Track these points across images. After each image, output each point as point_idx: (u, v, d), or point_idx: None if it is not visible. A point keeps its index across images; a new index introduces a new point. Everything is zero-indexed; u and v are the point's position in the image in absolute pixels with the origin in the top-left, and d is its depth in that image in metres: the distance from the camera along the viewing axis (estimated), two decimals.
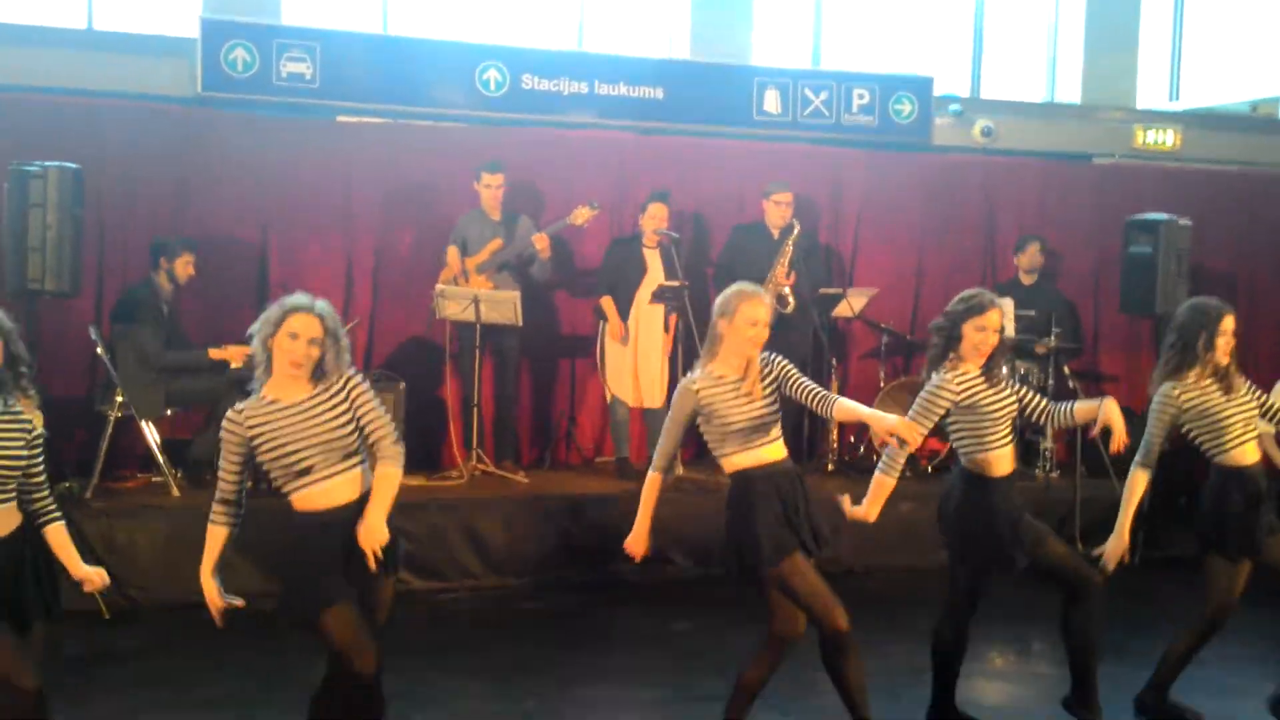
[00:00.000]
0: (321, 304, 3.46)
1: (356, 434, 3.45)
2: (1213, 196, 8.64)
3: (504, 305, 6.78)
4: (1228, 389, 4.29)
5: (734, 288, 3.91)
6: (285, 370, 3.40)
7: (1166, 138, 9.03)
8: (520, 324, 6.83)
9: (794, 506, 3.80)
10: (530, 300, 6.98)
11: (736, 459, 3.83)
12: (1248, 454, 4.34)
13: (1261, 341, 8.58)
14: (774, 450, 3.85)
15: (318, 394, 3.42)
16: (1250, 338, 8.58)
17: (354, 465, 3.45)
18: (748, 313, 3.78)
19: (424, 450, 7.02)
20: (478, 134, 7.68)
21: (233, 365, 6.24)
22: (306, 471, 3.38)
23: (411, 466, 6.65)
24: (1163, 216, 7.74)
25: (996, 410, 4.10)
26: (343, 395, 3.43)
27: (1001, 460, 4.14)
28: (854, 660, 3.81)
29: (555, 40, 9.72)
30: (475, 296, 6.74)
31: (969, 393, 4.06)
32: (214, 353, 6.32)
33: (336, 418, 3.41)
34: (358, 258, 7.29)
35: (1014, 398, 4.16)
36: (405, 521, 6.05)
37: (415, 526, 6.02)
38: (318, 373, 3.43)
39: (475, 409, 6.84)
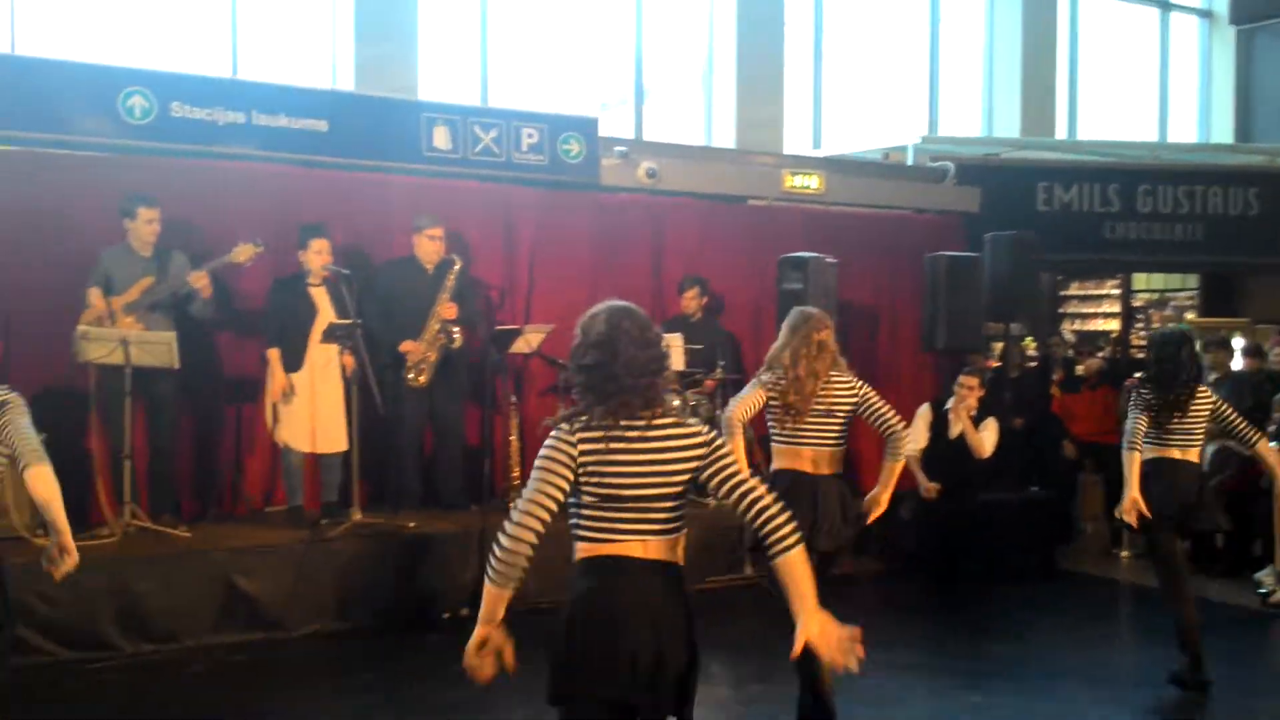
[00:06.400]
0: None
1: None
2: (854, 236, 9.33)
3: (157, 347, 6.29)
4: None
5: None
6: None
7: (811, 181, 9.64)
8: (176, 366, 6.36)
9: None
10: (188, 341, 6.51)
11: None
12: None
13: (903, 365, 9.33)
14: None
15: None
16: (894, 364, 9.36)
17: None
18: None
19: (69, 509, 6.34)
20: (122, 164, 7.07)
21: None
22: None
23: None
24: (810, 255, 8.28)
25: None
26: None
27: None
28: None
29: (208, 67, 9.22)
30: (124, 338, 6.21)
31: None
32: None
33: None
34: None
35: None
36: (48, 585, 5.50)
37: (59, 590, 5.43)
38: None
39: (127, 460, 6.28)
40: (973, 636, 6.76)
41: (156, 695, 5.39)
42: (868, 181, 10.08)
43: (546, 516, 2.90)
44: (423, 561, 6.53)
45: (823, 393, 4.70)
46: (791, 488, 4.57)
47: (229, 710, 5.23)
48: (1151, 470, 5.61)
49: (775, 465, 4.84)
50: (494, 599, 2.93)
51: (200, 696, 5.38)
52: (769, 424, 4.84)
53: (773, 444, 4.85)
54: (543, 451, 2.96)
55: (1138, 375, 5.94)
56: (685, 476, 3.00)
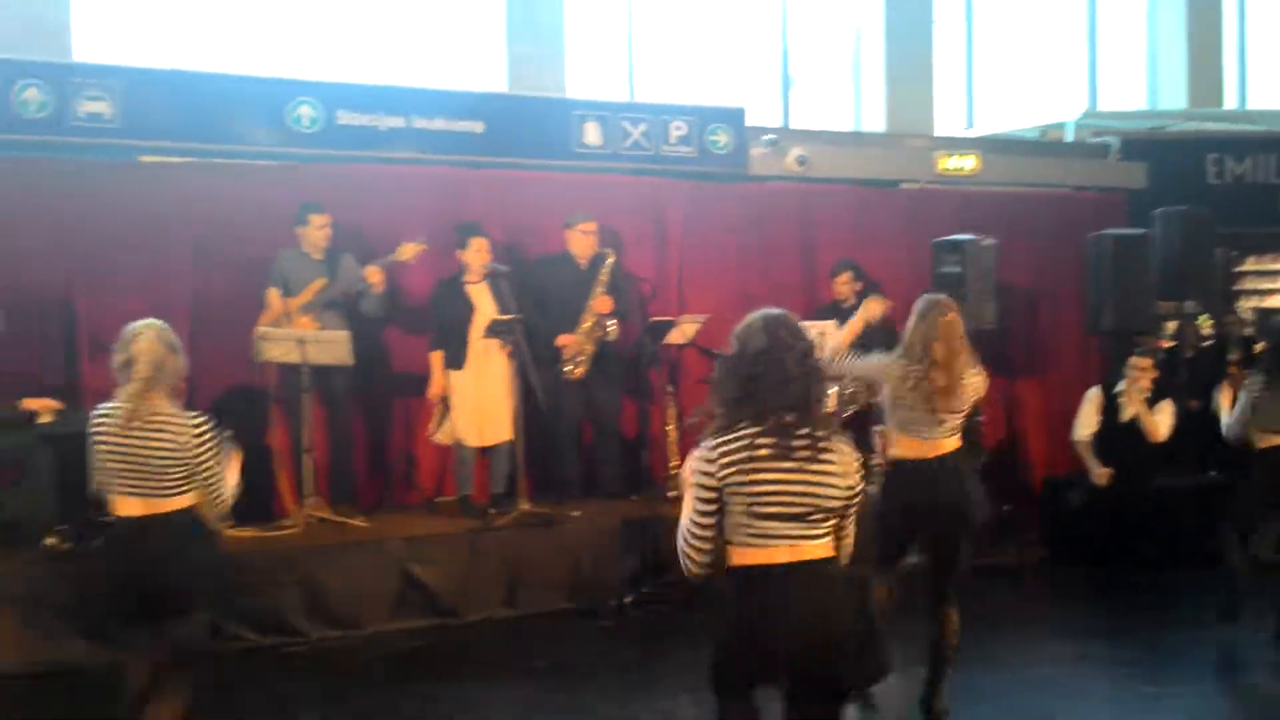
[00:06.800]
0: None
1: None
2: (1011, 217, 9.10)
3: (333, 345, 6.58)
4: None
5: None
6: None
7: (966, 163, 9.45)
8: (351, 363, 6.64)
9: None
10: (359, 339, 6.78)
11: None
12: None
13: (1065, 348, 9.07)
14: None
15: None
16: (1055, 346, 9.11)
17: None
18: None
19: (254, 501, 6.71)
20: (292, 172, 7.41)
21: (41, 419, 5.85)
22: None
23: (242, 519, 6.48)
24: (968, 237, 8.11)
25: None
26: None
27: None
28: None
29: (369, 74, 9.53)
30: (301, 338, 6.52)
31: None
32: (28, 402, 5.92)
33: None
34: (171, 303, 6.86)
35: None
36: (244, 575, 5.84)
37: (253, 579, 5.76)
38: None
39: (307, 454, 6.58)
40: (1146, 626, 6.54)
41: (340, 679, 5.64)
42: (1026, 160, 9.82)
43: (710, 537, 3.05)
44: (589, 550, 6.66)
45: None
46: (915, 475, 4.59)
47: (408, 694, 5.43)
48: (1261, 462, 5.45)
49: (897, 454, 4.71)
50: None
51: (381, 680, 5.62)
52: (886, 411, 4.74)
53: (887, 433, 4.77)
54: (692, 477, 3.06)
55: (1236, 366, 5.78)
56: (834, 503, 3.04)
